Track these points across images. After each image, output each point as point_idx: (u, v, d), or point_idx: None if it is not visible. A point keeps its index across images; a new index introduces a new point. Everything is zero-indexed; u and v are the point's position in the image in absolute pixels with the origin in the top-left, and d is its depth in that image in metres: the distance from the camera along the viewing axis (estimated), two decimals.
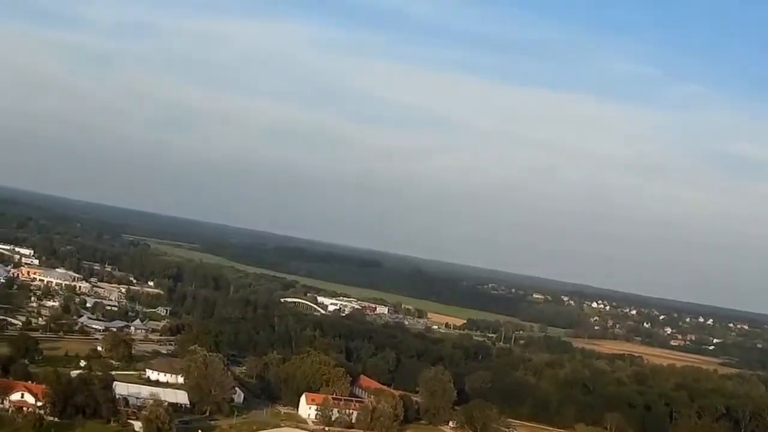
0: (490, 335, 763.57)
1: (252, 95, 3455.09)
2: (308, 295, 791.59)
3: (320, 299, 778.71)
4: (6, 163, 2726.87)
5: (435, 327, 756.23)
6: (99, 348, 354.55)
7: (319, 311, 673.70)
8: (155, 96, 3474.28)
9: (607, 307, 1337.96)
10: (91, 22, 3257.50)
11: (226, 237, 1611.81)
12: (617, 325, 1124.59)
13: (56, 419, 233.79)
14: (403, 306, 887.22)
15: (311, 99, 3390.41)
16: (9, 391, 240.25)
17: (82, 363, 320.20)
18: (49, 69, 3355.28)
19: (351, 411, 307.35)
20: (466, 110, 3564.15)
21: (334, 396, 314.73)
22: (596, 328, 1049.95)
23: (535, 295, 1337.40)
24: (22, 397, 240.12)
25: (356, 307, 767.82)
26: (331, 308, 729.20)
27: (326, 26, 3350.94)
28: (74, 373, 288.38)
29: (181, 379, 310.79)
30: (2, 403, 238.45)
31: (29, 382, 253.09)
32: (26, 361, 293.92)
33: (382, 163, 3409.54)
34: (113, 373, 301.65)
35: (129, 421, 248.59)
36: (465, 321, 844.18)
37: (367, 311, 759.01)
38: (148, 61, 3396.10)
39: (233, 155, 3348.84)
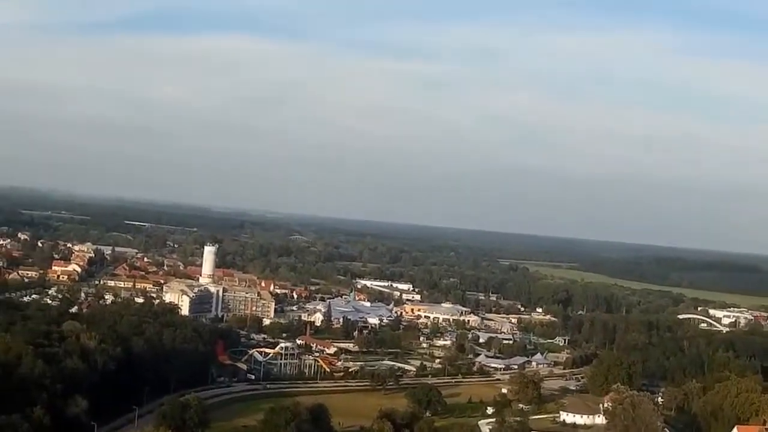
0: None
1: (604, 106, 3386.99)
2: (699, 309, 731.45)
3: (711, 312, 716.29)
4: (358, 198, 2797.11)
5: None
6: (504, 390, 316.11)
7: (714, 326, 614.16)
8: (505, 116, 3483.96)
9: None
10: (434, 50, 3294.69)
11: (602, 252, 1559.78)
12: None
13: None
14: None
15: (661, 105, 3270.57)
16: None
17: (489, 410, 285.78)
18: (389, 96, 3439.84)
19: None
20: None
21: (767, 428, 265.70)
22: None
23: None
24: None
25: (749, 318, 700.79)
26: (725, 321, 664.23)
27: (663, 31, 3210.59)
28: (483, 424, 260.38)
29: (598, 420, 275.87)
30: None
31: None
32: (429, 413, 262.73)
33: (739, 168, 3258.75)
34: (528, 419, 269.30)
35: None
36: None
37: (761, 321, 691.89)
38: (492, 82, 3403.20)
39: (592, 170, 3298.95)
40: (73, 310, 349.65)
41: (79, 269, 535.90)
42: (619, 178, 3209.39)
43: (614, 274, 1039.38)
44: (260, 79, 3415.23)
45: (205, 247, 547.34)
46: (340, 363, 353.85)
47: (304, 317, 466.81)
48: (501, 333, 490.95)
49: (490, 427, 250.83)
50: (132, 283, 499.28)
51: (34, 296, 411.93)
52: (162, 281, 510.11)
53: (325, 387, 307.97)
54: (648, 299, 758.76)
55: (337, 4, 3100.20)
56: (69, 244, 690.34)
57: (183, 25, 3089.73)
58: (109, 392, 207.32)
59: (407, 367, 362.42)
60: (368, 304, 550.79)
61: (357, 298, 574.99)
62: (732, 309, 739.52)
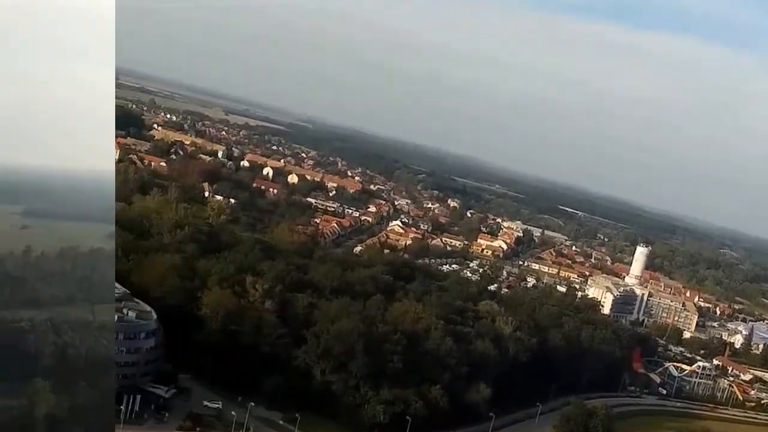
0: None
1: None
2: None
3: None
4: None
5: None
6: None
7: None
8: None
9: None
10: None
11: None
12: None
13: None
14: None
15: None
16: None
17: None
18: None
19: None
20: None
21: None
22: None
23: None
24: None
25: None
26: None
27: None
28: None
29: None
30: None
31: None
32: None
33: None
34: None
35: None
36: None
37: None
38: None
39: None
40: (492, 287, 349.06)
41: (505, 246, 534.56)
42: None
43: None
44: (703, 84, 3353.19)
45: (638, 247, 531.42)
46: (753, 392, 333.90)
47: (725, 336, 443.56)
48: None
49: None
50: (556, 270, 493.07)
51: (454, 266, 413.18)
52: (587, 273, 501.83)
53: (733, 415, 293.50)
54: None
55: None
56: (498, 219, 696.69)
57: (640, 18, 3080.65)
58: (514, 383, 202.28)
59: None
60: None
61: None
62: None
